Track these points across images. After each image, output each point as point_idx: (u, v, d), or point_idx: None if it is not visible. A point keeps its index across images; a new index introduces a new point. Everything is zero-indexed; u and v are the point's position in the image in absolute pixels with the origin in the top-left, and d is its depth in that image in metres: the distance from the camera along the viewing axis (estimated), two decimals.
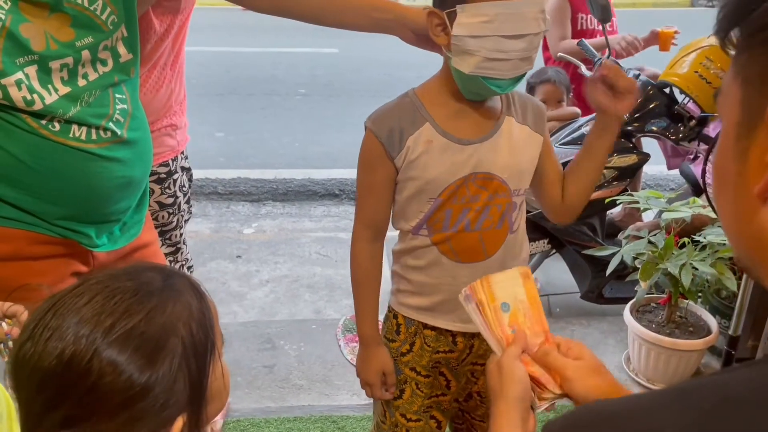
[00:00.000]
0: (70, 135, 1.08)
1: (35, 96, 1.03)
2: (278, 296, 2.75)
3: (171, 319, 0.67)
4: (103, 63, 1.12)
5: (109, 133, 1.13)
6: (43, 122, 1.06)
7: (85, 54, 1.08)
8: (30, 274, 1.04)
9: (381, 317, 1.37)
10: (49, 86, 1.05)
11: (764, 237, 0.49)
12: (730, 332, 1.78)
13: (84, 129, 1.10)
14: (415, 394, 1.35)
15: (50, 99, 1.05)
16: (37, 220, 1.12)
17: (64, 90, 1.07)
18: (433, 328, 1.31)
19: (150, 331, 0.65)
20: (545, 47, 3.14)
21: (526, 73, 1.14)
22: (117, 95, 1.15)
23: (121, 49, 1.14)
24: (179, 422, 0.67)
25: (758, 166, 0.48)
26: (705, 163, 1.58)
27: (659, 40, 3.02)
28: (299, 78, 6.39)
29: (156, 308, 0.67)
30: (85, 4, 1.06)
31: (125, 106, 1.17)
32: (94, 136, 1.11)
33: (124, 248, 1.25)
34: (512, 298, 0.90)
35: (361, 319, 1.33)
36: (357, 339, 2.46)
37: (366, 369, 1.35)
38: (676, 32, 3.01)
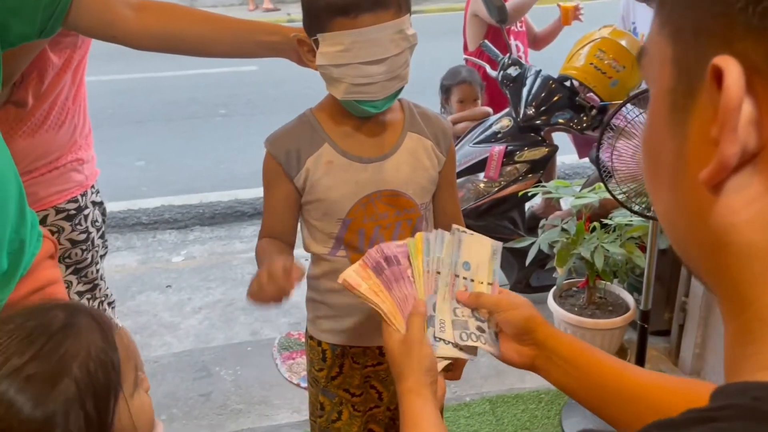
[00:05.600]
0: None
1: None
2: (213, 322, 2.71)
3: (65, 358, 0.66)
4: None
5: None
6: None
7: None
8: None
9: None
10: None
11: (722, 240, 0.37)
12: (641, 307, 1.87)
13: None
14: (353, 416, 1.36)
15: None
16: None
17: None
18: (359, 346, 1.32)
19: (40, 371, 0.65)
20: (464, 48, 3.22)
21: (401, 89, 1.15)
22: None
23: None
24: None
25: (701, 142, 0.36)
26: (598, 150, 1.67)
27: (561, 14, 3.15)
28: (220, 99, 6.31)
29: (50, 348, 0.66)
30: None
31: None
32: None
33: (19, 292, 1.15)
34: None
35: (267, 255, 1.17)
36: (294, 356, 2.45)
37: (272, 262, 1.05)
38: (577, 7, 3.13)
